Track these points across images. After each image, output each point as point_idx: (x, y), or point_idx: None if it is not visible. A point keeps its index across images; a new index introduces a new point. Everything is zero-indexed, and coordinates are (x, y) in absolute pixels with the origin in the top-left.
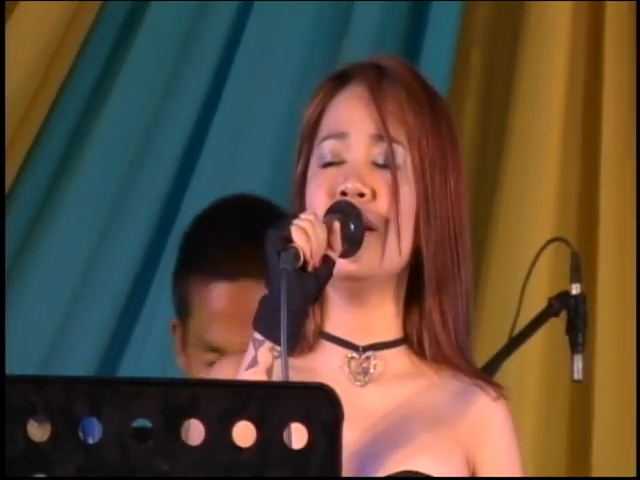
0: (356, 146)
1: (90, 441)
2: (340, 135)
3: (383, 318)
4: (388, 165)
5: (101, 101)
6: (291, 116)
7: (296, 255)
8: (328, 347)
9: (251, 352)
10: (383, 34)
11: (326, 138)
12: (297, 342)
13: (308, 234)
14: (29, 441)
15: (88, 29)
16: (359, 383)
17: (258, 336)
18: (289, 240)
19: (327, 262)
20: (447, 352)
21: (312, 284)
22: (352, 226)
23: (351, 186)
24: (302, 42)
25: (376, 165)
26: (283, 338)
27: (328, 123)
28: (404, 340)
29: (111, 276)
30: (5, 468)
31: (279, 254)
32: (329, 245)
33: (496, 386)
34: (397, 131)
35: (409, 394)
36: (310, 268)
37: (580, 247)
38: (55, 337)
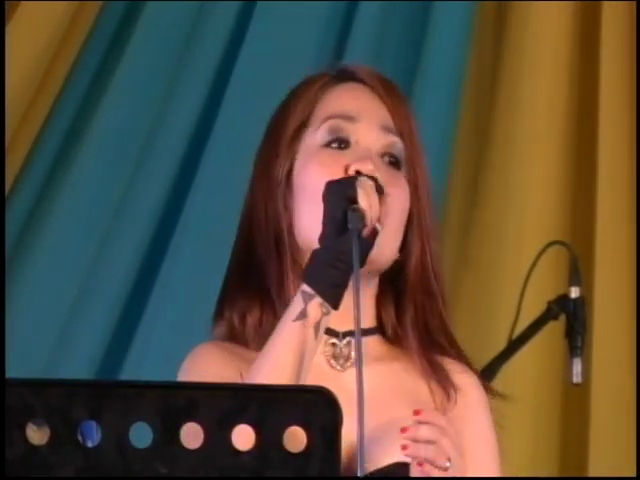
0: (367, 132)
1: (89, 444)
2: (348, 118)
3: (362, 307)
4: (394, 164)
5: (101, 101)
6: None
7: (362, 219)
8: None
9: (299, 304)
10: (387, 35)
11: (330, 118)
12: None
13: (371, 199)
14: (28, 444)
15: (88, 29)
16: (340, 368)
17: (308, 289)
18: (354, 200)
19: (374, 233)
20: (435, 339)
21: (363, 250)
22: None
23: (372, 168)
24: (306, 42)
25: (382, 160)
26: (357, 313)
27: (328, 108)
28: (378, 329)
29: (111, 277)
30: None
31: (345, 212)
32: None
33: (477, 373)
34: (400, 128)
35: (389, 376)
36: (364, 233)
37: (577, 250)
38: (55, 340)
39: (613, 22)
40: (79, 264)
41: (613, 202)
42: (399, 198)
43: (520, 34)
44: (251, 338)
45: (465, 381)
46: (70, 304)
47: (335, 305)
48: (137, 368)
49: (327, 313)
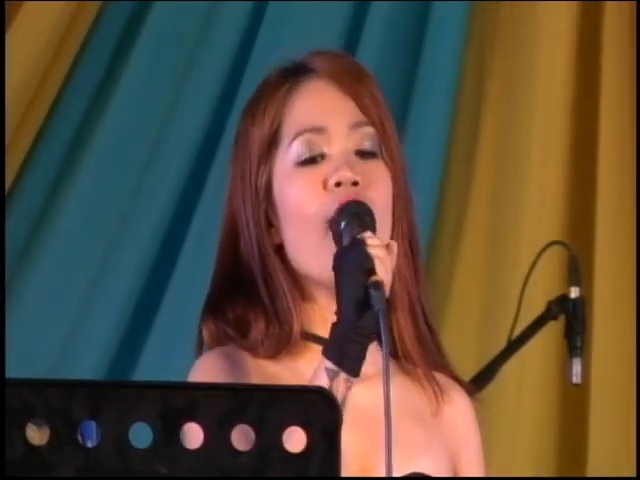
0: (338, 136)
1: (89, 445)
2: (318, 130)
3: None
4: (370, 154)
5: (103, 103)
6: None
7: (384, 294)
8: (314, 349)
9: (324, 381)
10: (388, 36)
11: (300, 134)
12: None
13: (387, 268)
14: (28, 444)
15: (89, 29)
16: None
17: (330, 365)
18: (373, 272)
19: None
20: (414, 350)
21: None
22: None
23: (350, 175)
24: (316, 44)
25: (358, 156)
26: (386, 388)
27: (297, 121)
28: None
29: (119, 284)
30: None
31: (366, 288)
32: None
33: (463, 382)
34: (369, 115)
35: (394, 392)
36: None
37: (577, 250)
38: (60, 346)
39: (614, 22)
40: (85, 269)
41: (613, 202)
42: (382, 193)
43: (520, 34)
44: (259, 344)
45: (452, 392)
46: (76, 310)
47: (357, 375)
48: (144, 375)
49: (350, 387)
